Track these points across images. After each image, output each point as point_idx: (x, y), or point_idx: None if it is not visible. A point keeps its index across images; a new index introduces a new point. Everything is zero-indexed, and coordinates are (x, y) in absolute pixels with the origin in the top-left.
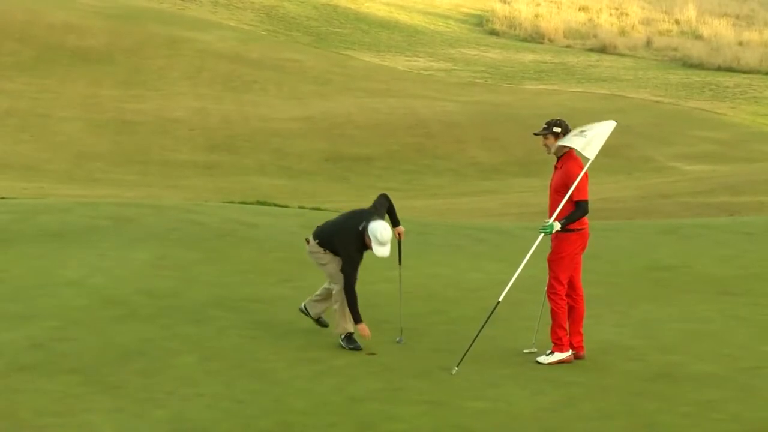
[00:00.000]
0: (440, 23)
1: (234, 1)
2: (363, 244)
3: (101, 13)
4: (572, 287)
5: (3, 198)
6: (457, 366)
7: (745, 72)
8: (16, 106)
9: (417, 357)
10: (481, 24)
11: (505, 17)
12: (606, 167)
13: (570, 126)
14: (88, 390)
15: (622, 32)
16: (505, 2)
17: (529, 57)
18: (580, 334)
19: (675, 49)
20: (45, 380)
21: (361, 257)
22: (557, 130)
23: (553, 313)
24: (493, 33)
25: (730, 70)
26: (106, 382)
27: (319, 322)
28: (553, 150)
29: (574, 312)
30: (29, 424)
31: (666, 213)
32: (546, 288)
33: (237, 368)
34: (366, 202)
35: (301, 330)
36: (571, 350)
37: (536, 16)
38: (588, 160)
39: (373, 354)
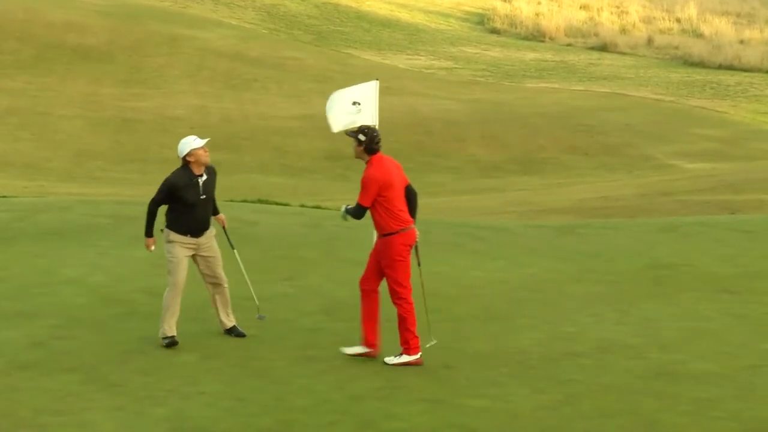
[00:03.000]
0: (441, 21)
1: None
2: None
3: (101, 12)
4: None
5: (3, 196)
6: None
7: (746, 70)
8: (17, 105)
9: None
10: (482, 22)
11: (506, 16)
12: (606, 165)
13: (376, 139)
14: (89, 388)
15: (623, 30)
16: (506, 1)
17: (530, 55)
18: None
19: (676, 48)
20: (45, 379)
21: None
22: (362, 138)
23: (401, 318)
24: (494, 31)
25: (731, 68)
26: (106, 381)
27: (234, 331)
28: (357, 156)
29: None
30: (29, 423)
31: (666, 211)
32: (390, 295)
33: (237, 366)
34: None
35: (301, 328)
36: (419, 354)
37: (537, 14)
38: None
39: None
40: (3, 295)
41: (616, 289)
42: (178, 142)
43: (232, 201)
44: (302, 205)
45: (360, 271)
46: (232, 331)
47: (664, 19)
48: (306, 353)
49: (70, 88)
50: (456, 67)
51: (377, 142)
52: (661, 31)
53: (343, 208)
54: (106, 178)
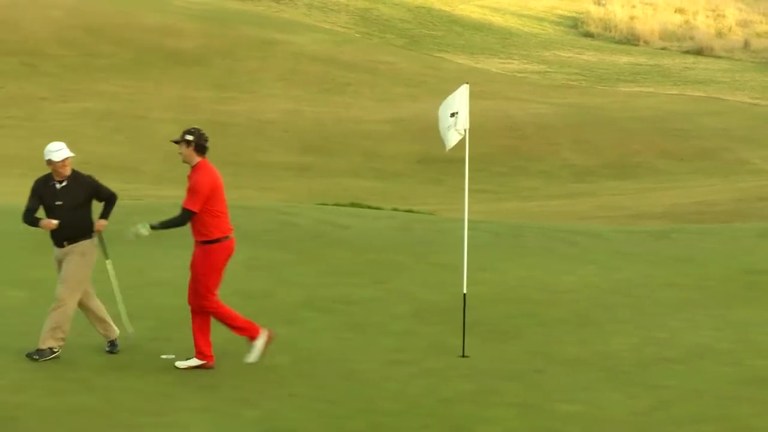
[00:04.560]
0: (534, 25)
1: (328, 3)
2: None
3: (196, 16)
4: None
5: None
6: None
7: None
8: (113, 108)
9: (508, 359)
10: (576, 26)
11: (600, 19)
12: (701, 170)
13: (204, 137)
14: (182, 390)
15: (719, 34)
16: (600, 4)
17: (623, 59)
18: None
19: None
20: (140, 380)
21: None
22: (189, 138)
23: (203, 321)
24: (588, 35)
25: None
26: (199, 382)
27: (112, 345)
28: (186, 159)
29: (205, 320)
30: (124, 423)
31: (763, 216)
32: (195, 299)
33: (328, 369)
34: (458, 204)
35: (392, 332)
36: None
37: (631, 18)
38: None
39: (466, 357)
40: (100, 297)
41: (709, 294)
42: (271, 145)
43: (324, 204)
44: (394, 209)
45: (452, 276)
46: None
47: (761, 22)
48: (396, 357)
49: (165, 91)
50: (549, 71)
51: (206, 140)
52: (758, 35)
53: (139, 227)
54: None
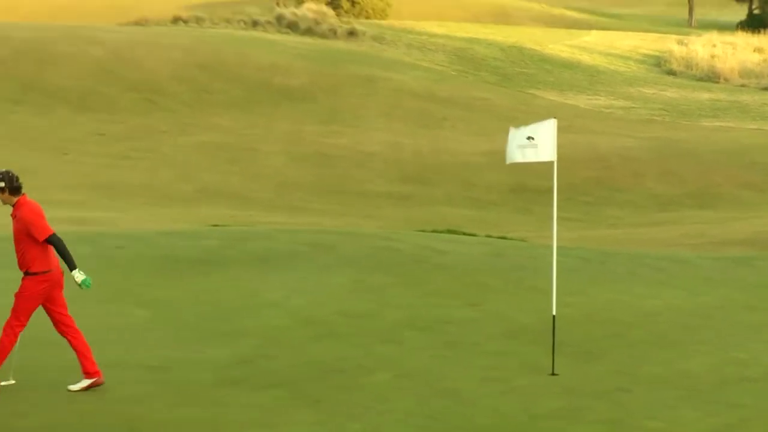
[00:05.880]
0: (620, 64)
1: (427, 43)
2: None
3: (304, 56)
4: (66, 324)
5: (215, 225)
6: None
7: None
8: (226, 141)
9: (595, 378)
10: (659, 64)
11: (682, 58)
12: None
13: (15, 178)
14: (291, 404)
15: None
16: (682, 44)
17: (704, 95)
18: (93, 362)
19: None
20: (251, 394)
21: None
22: (1, 185)
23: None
24: (671, 73)
25: None
26: (307, 397)
27: None
28: (5, 202)
29: (78, 345)
30: None
31: None
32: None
33: (427, 386)
34: (548, 232)
35: (486, 351)
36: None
37: (712, 56)
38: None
39: (555, 375)
40: (214, 316)
41: None
42: (373, 175)
43: (423, 231)
44: (488, 236)
45: (542, 299)
46: None
47: None
48: (490, 374)
49: (275, 125)
50: (634, 107)
51: (17, 179)
52: None
53: (78, 275)
54: (306, 209)
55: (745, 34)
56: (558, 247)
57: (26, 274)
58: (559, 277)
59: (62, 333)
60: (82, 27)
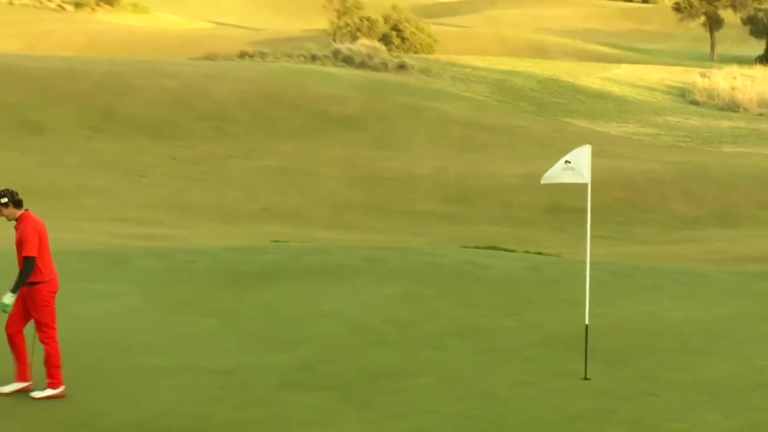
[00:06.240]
0: (647, 94)
1: (470, 76)
2: None
3: (358, 87)
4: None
5: (276, 241)
6: None
7: None
8: (286, 165)
9: (624, 382)
10: (683, 95)
11: (705, 89)
12: None
13: (15, 193)
14: (345, 405)
15: None
16: (704, 76)
17: (725, 124)
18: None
19: None
20: (309, 395)
21: None
22: (4, 200)
23: (48, 355)
24: (694, 103)
25: None
26: (359, 399)
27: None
28: (9, 217)
29: (49, 354)
30: None
31: None
32: (38, 334)
33: (468, 388)
34: (581, 248)
35: (522, 357)
36: (63, 387)
37: (733, 88)
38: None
39: (587, 379)
40: (276, 325)
41: None
42: (420, 196)
43: (465, 247)
44: (526, 251)
45: (575, 310)
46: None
47: None
48: (526, 378)
49: (331, 151)
50: (660, 134)
51: (17, 194)
52: None
53: (9, 298)
54: (360, 227)
55: (763, 67)
56: (590, 262)
57: (31, 284)
58: (592, 289)
59: (40, 340)
60: (157, 61)
